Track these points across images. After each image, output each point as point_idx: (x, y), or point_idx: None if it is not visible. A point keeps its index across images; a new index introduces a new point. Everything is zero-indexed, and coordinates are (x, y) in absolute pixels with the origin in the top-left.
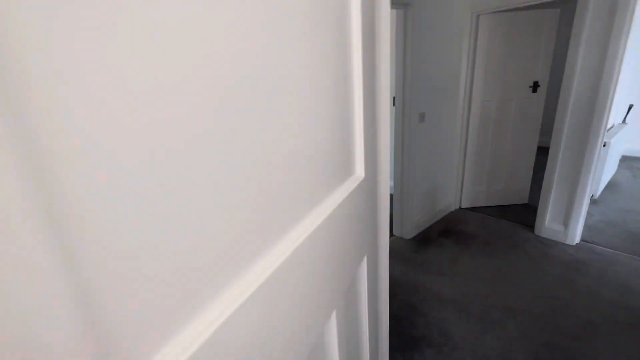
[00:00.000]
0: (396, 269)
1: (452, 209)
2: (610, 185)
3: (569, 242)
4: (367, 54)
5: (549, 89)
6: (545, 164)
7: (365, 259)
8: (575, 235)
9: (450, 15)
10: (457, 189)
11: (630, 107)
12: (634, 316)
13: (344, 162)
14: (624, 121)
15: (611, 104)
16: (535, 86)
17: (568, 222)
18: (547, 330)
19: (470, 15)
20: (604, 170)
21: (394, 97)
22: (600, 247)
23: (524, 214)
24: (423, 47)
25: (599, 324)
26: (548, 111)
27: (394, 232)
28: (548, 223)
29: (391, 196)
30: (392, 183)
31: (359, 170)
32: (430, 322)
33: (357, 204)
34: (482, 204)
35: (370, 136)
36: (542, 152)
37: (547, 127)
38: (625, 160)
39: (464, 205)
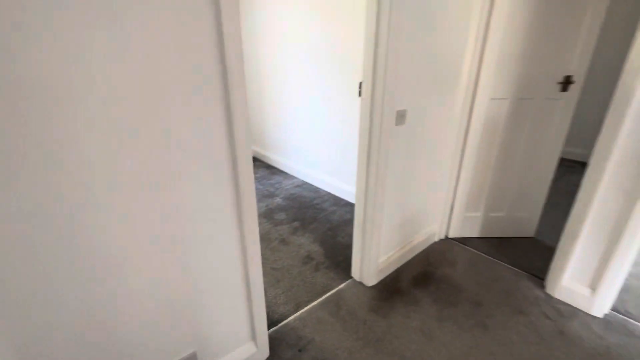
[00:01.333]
0: (341, 344)
1: (436, 239)
2: None
3: (595, 312)
4: None
5: (584, 88)
6: (562, 182)
7: None
8: (605, 304)
9: None
10: (445, 214)
11: None
12: None
13: None
14: None
15: None
16: (566, 82)
17: (597, 285)
18: None
19: None
20: None
21: (360, 84)
22: (637, 324)
23: (531, 254)
24: (409, 14)
25: None
26: (579, 117)
27: (352, 274)
28: (568, 281)
29: (350, 219)
30: (355, 200)
31: None
32: None
33: None
34: (475, 234)
35: None
36: (560, 165)
37: (573, 135)
38: None
39: (452, 235)
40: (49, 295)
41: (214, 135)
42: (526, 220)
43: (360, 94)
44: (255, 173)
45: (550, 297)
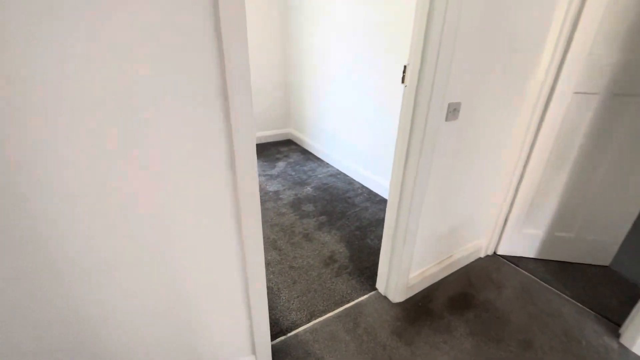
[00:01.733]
0: None
1: (482, 254)
2: None
3: None
4: None
5: None
6: None
7: None
8: None
9: None
10: (496, 227)
11: None
12: None
13: None
14: None
15: None
16: None
17: None
18: None
19: None
20: None
21: (404, 68)
22: None
23: (604, 288)
24: None
25: None
26: None
27: (377, 285)
28: None
29: (383, 219)
30: (388, 205)
31: None
32: None
33: None
34: (531, 254)
35: None
36: None
37: None
38: None
39: (501, 252)
40: (34, 303)
41: (206, 126)
42: (602, 244)
43: (403, 81)
44: (289, 157)
45: (626, 351)
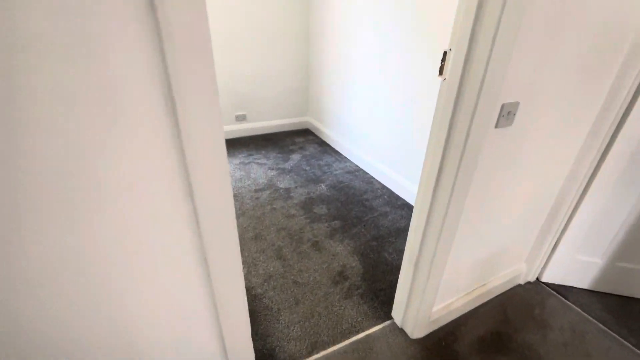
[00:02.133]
0: None
1: (521, 281)
2: None
3: None
4: None
5: None
6: None
7: None
8: None
9: None
10: (542, 249)
11: None
12: None
13: None
14: None
15: None
16: None
17: None
18: None
19: None
20: None
21: (444, 54)
22: None
23: None
24: None
25: None
26: None
27: (392, 314)
28: None
29: (404, 229)
30: (411, 226)
31: None
32: None
33: None
34: (584, 284)
35: None
36: None
37: None
38: None
39: (546, 279)
40: None
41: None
42: None
43: (441, 72)
44: (305, 149)
45: None
